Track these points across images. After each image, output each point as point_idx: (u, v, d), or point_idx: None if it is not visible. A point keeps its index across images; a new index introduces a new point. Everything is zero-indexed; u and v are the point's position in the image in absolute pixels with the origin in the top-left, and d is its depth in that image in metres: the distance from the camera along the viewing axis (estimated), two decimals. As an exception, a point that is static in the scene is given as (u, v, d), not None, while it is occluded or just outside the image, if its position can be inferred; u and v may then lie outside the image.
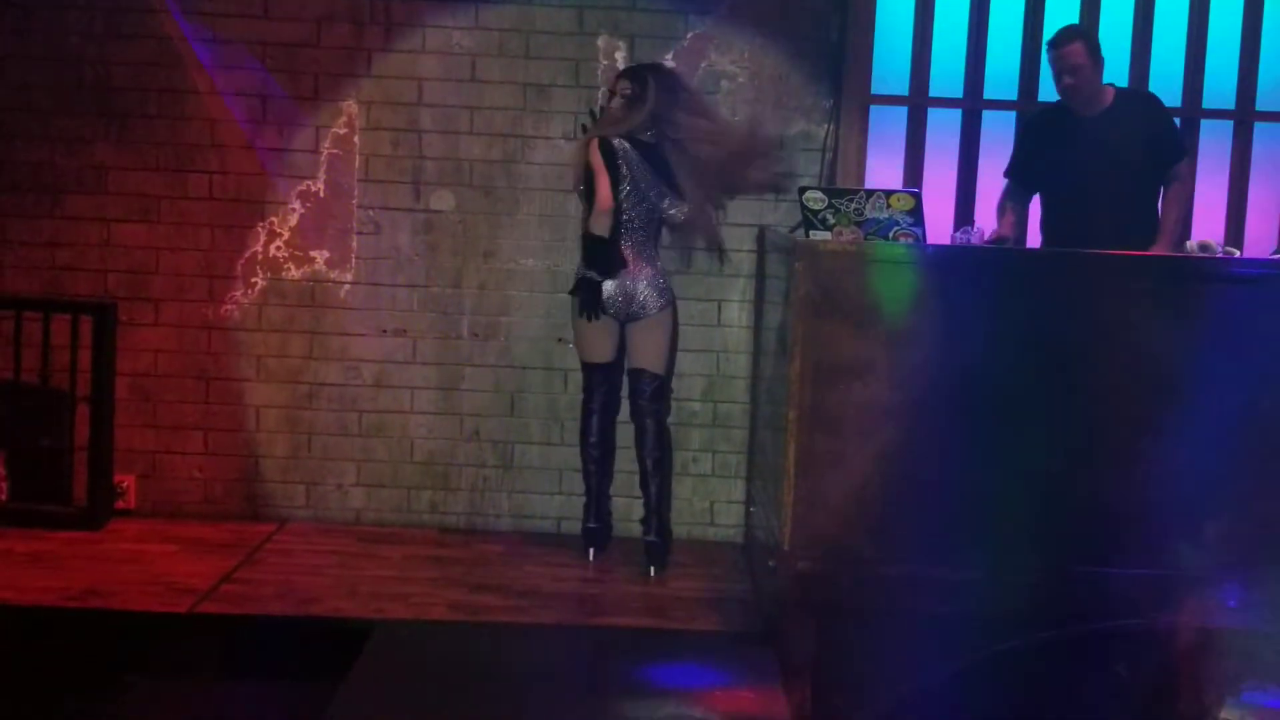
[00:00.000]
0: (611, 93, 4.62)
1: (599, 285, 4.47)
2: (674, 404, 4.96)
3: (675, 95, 4.56)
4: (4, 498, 4.89)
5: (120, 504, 4.95)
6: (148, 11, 4.80)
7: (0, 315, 4.83)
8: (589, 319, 4.50)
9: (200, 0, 4.85)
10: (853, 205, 3.95)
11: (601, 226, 4.48)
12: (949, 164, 4.95)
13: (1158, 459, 3.80)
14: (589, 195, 4.52)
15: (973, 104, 4.91)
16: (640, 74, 4.60)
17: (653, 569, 4.57)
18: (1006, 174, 4.69)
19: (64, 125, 4.91)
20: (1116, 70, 4.87)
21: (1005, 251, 4.32)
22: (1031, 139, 4.66)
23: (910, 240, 3.91)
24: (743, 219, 4.96)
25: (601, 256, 4.49)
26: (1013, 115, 4.93)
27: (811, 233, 3.99)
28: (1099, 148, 4.44)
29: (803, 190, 4.02)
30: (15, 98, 4.89)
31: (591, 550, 4.71)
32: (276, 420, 5.04)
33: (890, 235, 3.93)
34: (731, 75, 4.95)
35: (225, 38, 4.89)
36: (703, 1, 4.92)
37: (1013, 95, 4.93)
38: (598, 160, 4.44)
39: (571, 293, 4.60)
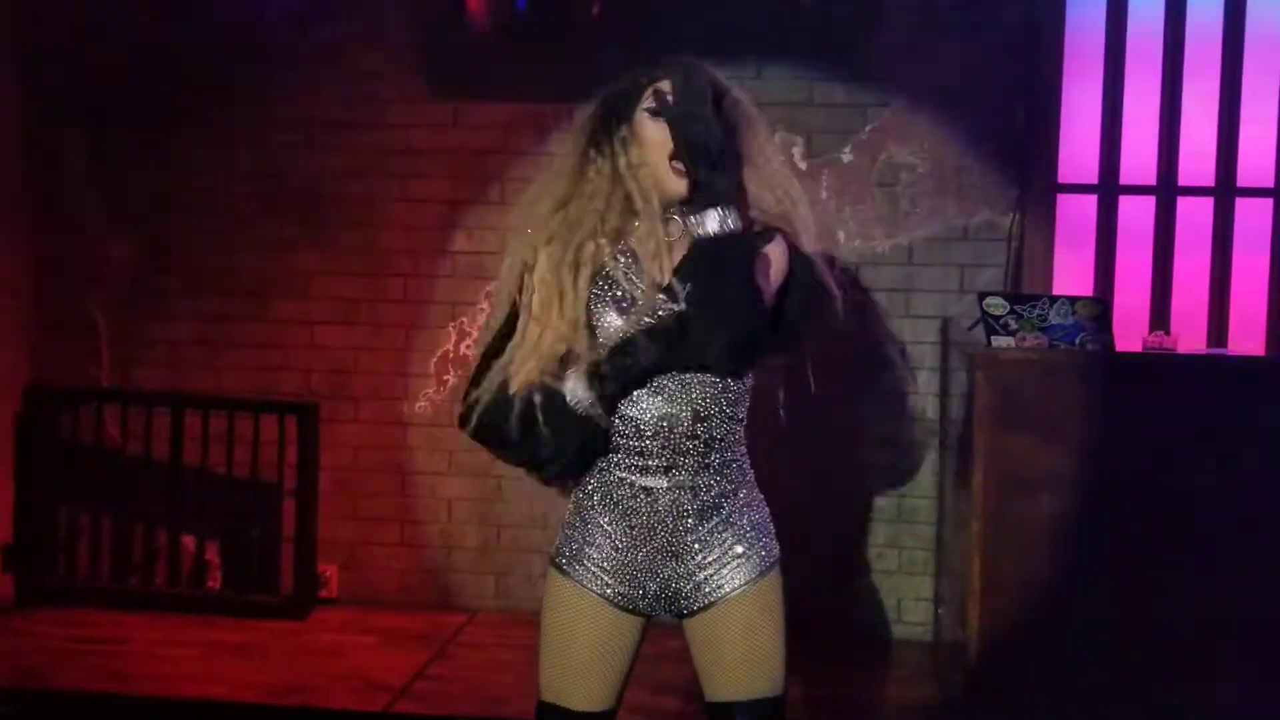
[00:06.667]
0: None
1: None
2: (858, 499, 4.90)
3: None
4: (216, 585, 5.19)
5: (323, 593, 5.19)
6: (344, 126, 5.06)
7: (215, 414, 5.14)
8: None
9: (393, 113, 5.09)
10: (1036, 311, 3.85)
11: None
12: (1142, 255, 4.73)
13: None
14: None
15: (1167, 192, 4.68)
16: None
17: None
18: None
19: (271, 234, 5.20)
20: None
21: (1201, 358, 4.14)
22: None
23: (1098, 348, 3.79)
24: (925, 311, 4.89)
25: None
26: (1210, 202, 4.70)
27: (993, 339, 3.91)
28: None
29: (982, 296, 3.94)
30: (228, 211, 5.20)
31: None
32: (467, 512, 5.20)
33: (1076, 342, 3.82)
34: (911, 167, 4.89)
35: (416, 148, 5.11)
36: (881, 94, 4.88)
37: (1209, 182, 4.68)
38: None
39: None
